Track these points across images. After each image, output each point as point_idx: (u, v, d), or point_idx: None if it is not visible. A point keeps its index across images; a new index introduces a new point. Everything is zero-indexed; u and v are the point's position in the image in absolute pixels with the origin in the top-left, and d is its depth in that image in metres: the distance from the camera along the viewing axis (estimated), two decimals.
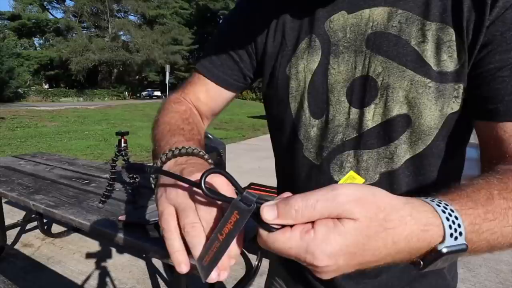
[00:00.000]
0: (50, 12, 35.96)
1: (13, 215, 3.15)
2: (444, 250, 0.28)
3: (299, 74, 0.52)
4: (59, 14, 36.57)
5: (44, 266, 2.30)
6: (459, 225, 0.29)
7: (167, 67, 22.87)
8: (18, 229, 2.82)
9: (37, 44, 36.08)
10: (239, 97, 33.93)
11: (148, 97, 35.92)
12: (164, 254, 1.02)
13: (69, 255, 2.46)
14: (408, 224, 0.27)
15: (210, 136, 1.68)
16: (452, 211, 0.30)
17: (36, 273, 2.21)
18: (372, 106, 0.47)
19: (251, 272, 2.21)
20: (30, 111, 13.11)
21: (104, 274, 2.21)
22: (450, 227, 0.29)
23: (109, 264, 2.34)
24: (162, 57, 32.82)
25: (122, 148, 1.46)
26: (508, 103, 0.41)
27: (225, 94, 0.62)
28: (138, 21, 36.92)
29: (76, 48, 29.88)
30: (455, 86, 0.44)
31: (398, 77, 0.45)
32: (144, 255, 2.38)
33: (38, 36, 34.41)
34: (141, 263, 2.33)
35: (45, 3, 34.73)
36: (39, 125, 10.36)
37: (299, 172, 0.56)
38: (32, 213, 2.72)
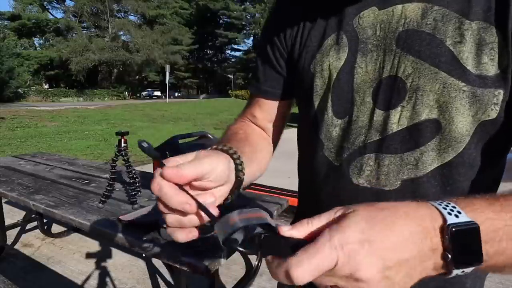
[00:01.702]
0: (50, 12, 36.03)
1: (13, 215, 3.15)
2: (452, 227, 0.27)
3: (324, 72, 0.51)
4: (59, 14, 36.64)
5: (44, 266, 2.30)
6: (453, 207, 0.29)
7: (167, 67, 22.90)
8: (18, 229, 2.82)
9: (37, 44, 36.13)
10: (239, 97, 33.95)
11: (148, 97, 35.95)
12: (164, 254, 1.02)
13: (69, 255, 2.46)
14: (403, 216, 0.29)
15: (210, 136, 1.68)
16: (449, 203, 0.30)
17: (36, 273, 2.21)
18: (399, 108, 0.45)
19: (251, 272, 2.21)
20: (30, 111, 13.10)
21: (104, 274, 2.21)
22: (445, 208, 0.29)
23: (109, 264, 2.34)
24: (162, 57, 32.83)
25: (122, 148, 1.46)
26: None
27: (277, 105, 0.62)
28: (138, 21, 36.94)
29: (76, 48, 29.89)
30: (495, 92, 0.40)
31: (429, 79, 0.42)
32: (144, 255, 2.38)
33: (38, 36, 34.42)
34: (141, 263, 2.33)
35: (45, 3, 34.74)
36: (39, 125, 10.36)
37: (318, 172, 0.55)
38: (32, 213, 2.72)
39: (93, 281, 2.11)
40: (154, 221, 1.19)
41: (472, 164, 0.44)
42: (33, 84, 31.29)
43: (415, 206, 0.30)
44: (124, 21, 34.25)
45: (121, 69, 35.19)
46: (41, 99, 27.50)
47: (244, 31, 44.24)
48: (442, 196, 0.42)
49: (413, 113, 0.44)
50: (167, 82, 23.15)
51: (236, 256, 2.37)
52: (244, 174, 0.44)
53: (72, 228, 2.79)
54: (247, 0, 42.59)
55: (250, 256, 2.39)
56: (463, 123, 0.42)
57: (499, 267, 0.31)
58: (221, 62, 48.01)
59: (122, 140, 1.46)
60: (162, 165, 0.34)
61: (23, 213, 2.92)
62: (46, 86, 34.70)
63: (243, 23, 42.72)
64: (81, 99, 30.37)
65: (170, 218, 0.36)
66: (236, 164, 0.43)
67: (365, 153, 0.48)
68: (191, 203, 0.34)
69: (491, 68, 0.40)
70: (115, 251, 2.50)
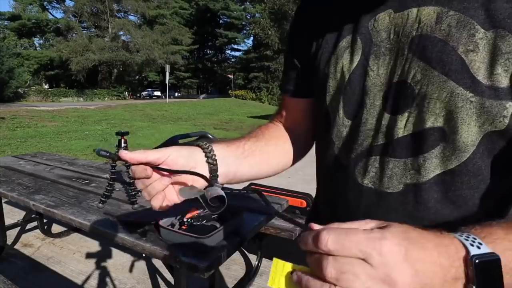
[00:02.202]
0: (50, 12, 36.02)
1: (13, 215, 3.15)
2: (475, 259, 0.28)
3: (337, 73, 0.51)
4: (59, 14, 36.65)
5: (44, 266, 2.30)
6: (474, 239, 0.30)
7: (167, 67, 22.88)
8: (18, 229, 2.82)
9: (37, 44, 36.13)
10: (239, 97, 33.95)
11: (148, 97, 35.95)
12: (164, 254, 1.02)
13: (69, 255, 2.46)
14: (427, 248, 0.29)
15: (210, 136, 1.68)
16: (469, 235, 0.30)
17: (36, 273, 2.21)
18: (406, 114, 0.44)
19: (251, 272, 2.21)
20: (30, 111, 13.10)
21: (104, 274, 2.21)
22: (467, 239, 0.29)
23: (109, 264, 2.34)
24: (162, 57, 32.82)
25: (122, 148, 1.46)
26: None
27: (299, 103, 0.64)
28: (138, 21, 36.93)
29: (76, 48, 29.88)
30: (506, 105, 0.39)
31: (437, 87, 0.42)
32: (144, 255, 2.38)
33: (38, 36, 34.41)
34: (141, 263, 2.33)
35: (45, 3, 34.73)
36: (39, 125, 10.36)
37: (328, 170, 0.56)
38: (32, 213, 2.72)
39: (93, 281, 2.11)
40: (154, 221, 1.19)
41: (476, 173, 0.43)
42: (33, 84, 31.28)
43: (439, 234, 0.30)
44: (124, 21, 34.22)
45: (121, 69, 35.18)
46: (41, 99, 27.49)
47: (244, 31, 44.26)
48: (444, 202, 0.44)
49: (419, 120, 0.44)
50: (167, 82, 23.14)
51: (236, 256, 2.37)
52: (215, 163, 0.51)
53: (72, 228, 2.79)
54: (247, 0, 42.61)
55: (250, 256, 2.39)
56: (468, 133, 0.41)
57: None
58: (221, 62, 48.03)
59: (122, 140, 1.46)
60: (118, 158, 0.48)
61: (23, 213, 2.92)
62: (46, 86, 34.69)
63: (243, 23, 42.75)
64: (81, 99, 30.37)
65: (144, 190, 0.50)
66: (206, 156, 0.50)
67: (371, 155, 0.49)
68: (149, 170, 0.47)
69: (504, 80, 0.39)
70: (115, 251, 2.50)
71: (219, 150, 0.52)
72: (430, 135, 0.43)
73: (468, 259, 0.28)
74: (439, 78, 0.42)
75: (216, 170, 0.51)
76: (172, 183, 0.50)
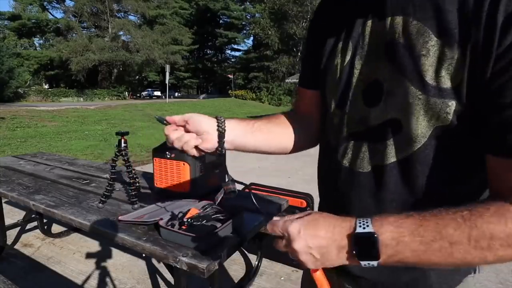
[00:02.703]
0: (50, 12, 35.99)
1: (13, 215, 3.15)
2: (354, 234, 0.44)
3: (333, 70, 0.61)
4: (59, 14, 36.65)
5: (44, 266, 2.30)
6: (367, 223, 0.44)
7: (167, 67, 22.86)
8: (18, 229, 2.82)
9: (37, 44, 36.10)
10: (239, 97, 33.94)
11: (148, 97, 35.93)
12: (164, 254, 1.02)
13: (69, 255, 2.46)
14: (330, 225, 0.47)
15: None
16: (366, 220, 0.45)
17: (36, 273, 2.21)
18: (378, 107, 0.53)
19: (251, 272, 2.21)
20: (30, 111, 13.10)
21: (104, 274, 2.21)
22: (359, 222, 0.45)
23: (109, 264, 2.34)
24: (162, 57, 32.80)
25: (122, 148, 1.46)
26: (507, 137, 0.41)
27: (310, 94, 0.73)
28: (138, 21, 36.91)
29: (76, 48, 29.86)
30: (448, 103, 0.46)
31: (397, 86, 0.50)
32: (144, 255, 2.38)
33: (38, 36, 34.39)
34: (141, 263, 2.33)
35: (45, 3, 34.70)
36: (39, 125, 10.36)
37: (322, 154, 0.69)
38: (32, 213, 2.72)
39: (93, 281, 2.11)
40: (154, 221, 1.19)
41: (428, 162, 0.50)
42: (33, 84, 31.26)
43: (343, 219, 0.47)
44: (124, 21, 34.18)
45: (121, 69, 35.16)
46: (41, 99, 27.48)
47: (244, 31, 44.23)
48: (402, 185, 0.53)
49: (385, 112, 0.52)
50: (167, 82, 23.13)
51: (236, 256, 2.38)
52: (224, 129, 0.62)
53: (72, 228, 2.79)
54: (247, 0, 42.59)
55: (250, 256, 2.39)
56: (417, 126, 0.49)
57: (410, 263, 0.43)
58: (221, 62, 48.02)
59: (122, 140, 1.46)
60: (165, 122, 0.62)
61: (23, 213, 2.92)
62: (46, 86, 34.67)
63: (243, 23, 42.72)
64: (81, 99, 30.36)
65: (183, 147, 0.60)
66: (218, 125, 0.61)
67: (350, 140, 0.59)
68: (175, 137, 0.60)
69: (447, 81, 0.45)
70: (115, 251, 2.50)
71: (231, 123, 0.64)
72: (391, 125, 0.52)
73: (352, 235, 0.44)
74: (399, 78, 0.49)
75: (223, 137, 0.62)
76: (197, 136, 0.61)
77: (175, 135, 0.60)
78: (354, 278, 0.62)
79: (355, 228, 0.44)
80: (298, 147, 0.74)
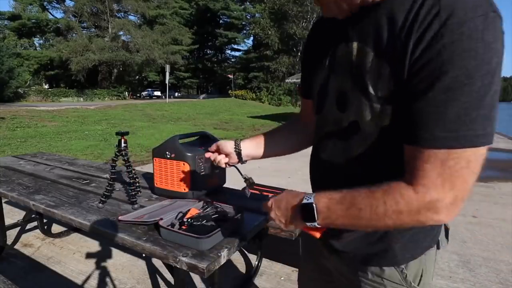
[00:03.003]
0: (50, 12, 35.96)
1: (13, 215, 3.15)
2: (299, 203, 0.65)
3: (317, 84, 0.76)
4: (59, 14, 36.61)
5: (44, 266, 2.30)
6: (310, 197, 0.64)
7: (167, 67, 22.86)
8: (18, 229, 2.82)
9: (37, 44, 36.07)
10: (239, 97, 33.91)
11: (148, 97, 35.93)
12: (164, 254, 1.02)
13: (69, 255, 2.46)
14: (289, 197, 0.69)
15: (210, 136, 1.68)
16: (311, 195, 0.64)
17: (36, 273, 2.21)
18: (346, 112, 0.67)
19: (251, 272, 2.21)
20: (30, 111, 13.10)
21: (104, 274, 2.21)
22: (306, 196, 0.65)
23: (109, 264, 2.34)
24: (162, 57, 32.79)
25: (122, 148, 1.46)
26: (410, 129, 0.55)
27: (307, 102, 0.88)
28: (138, 21, 36.89)
29: (76, 48, 29.84)
30: (386, 107, 0.59)
31: (354, 96, 0.64)
32: (144, 255, 2.38)
33: (38, 36, 34.37)
34: (141, 263, 2.33)
35: (45, 3, 34.68)
36: (39, 125, 10.36)
37: (312, 150, 0.84)
38: (32, 213, 2.72)
39: (93, 281, 2.11)
40: (154, 221, 1.19)
41: (381, 154, 0.64)
42: (33, 84, 31.23)
43: (297, 195, 0.68)
44: (124, 21, 34.14)
45: (121, 69, 35.14)
46: (41, 99, 27.47)
47: (244, 31, 44.23)
48: (363, 172, 0.67)
49: (350, 116, 0.66)
50: (167, 82, 23.13)
51: (236, 256, 2.38)
52: (240, 148, 0.93)
53: (72, 228, 2.79)
54: (247, 0, 42.59)
55: (250, 256, 2.39)
56: (369, 127, 0.63)
57: (339, 224, 0.61)
58: (221, 62, 48.01)
59: (122, 140, 1.46)
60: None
61: (23, 213, 2.92)
62: (46, 86, 34.66)
63: (243, 23, 42.71)
64: (81, 99, 30.35)
65: (217, 163, 0.96)
66: (235, 146, 0.94)
67: (328, 138, 0.73)
68: (214, 157, 0.96)
69: (383, 92, 0.59)
70: (115, 251, 2.50)
71: (245, 143, 0.94)
72: (353, 126, 0.65)
73: (299, 205, 0.65)
74: (355, 90, 0.64)
75: (240, 154, 0.94)
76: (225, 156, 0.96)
77: (213, 157, 0.97)
78: (339, 253, 0.77)
79: (302, 201, 0.64)
80: (296, 149, 0.99)
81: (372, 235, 0.69)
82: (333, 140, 0.71)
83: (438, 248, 0.75)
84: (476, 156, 0.51)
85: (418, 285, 0.71)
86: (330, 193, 0.62)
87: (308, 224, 0.64)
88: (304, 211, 0.63)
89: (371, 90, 0.60)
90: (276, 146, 0.97)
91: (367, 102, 0.61)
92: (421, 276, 0.71)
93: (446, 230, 0.80)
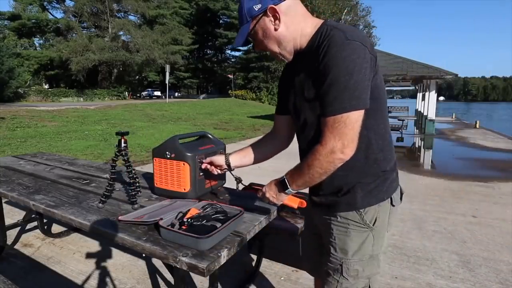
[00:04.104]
0: (50, 12, 35.93)
1: (13, 215, 3.15)
2: (282, 179, 1.03)
3: (290, 102, 1.10)
4: (59, 14, 36.55)
5: (44, 266, 2.30)
6: (286, 175, 1.02)
7: (167, 67, 22.86)
8: (18, 229, 2.82)
9: (37, 44, 36.04)
10: (239, 97, 33.85)
11: (148, 97, 35.92)
12: (164, 254, 1.02)
13: (69, 255, 2.46)
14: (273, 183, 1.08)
15: (210, 136, 1.68)
16: (286, 175, 1.02)
17: (36, 273, 2.21)
18: (301, 115, 1.03)
19: (251, 272, 2.21)
20: (30, 111, 13.10)
21: (104, 274, 2.21)
22: (283, 176, 1.03)
23: (109, 264, 2.34)
24: (162, 57, 32.78)
25: (122, 148, 1.45)
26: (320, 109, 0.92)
27: (280, 118, 1.23)
28: (138, 21, 36.86)
29: (76, 48, 29.82)
30: (315, 104, 0.93)
31: (302, 105, 1.01)
32: (144, 255, 2.38)
33: (38, 36, 34.36)
34: (141, 263, 2.33)
35: (45, 3, 34.67)
36: (39, 125, 10.36)
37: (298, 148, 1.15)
38: (32, 213, 2.72)
39: (93, 281, 2.11)
40: (154, 221, 1.19)
41: (320, 134, 0.92)
42: (33, 84, 31.20)
43: (277, 179, 1.05)
44: (124, 21, 34.12)
45: (121, 69, 35.12)
46: (41, 99, 27.46)
47: None
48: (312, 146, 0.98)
49: (303, 118, 1.02)
50: (167, 82, 23.12)
51: (236, 256, 2.37)
52: (229, 161, 1.30)
53: (72, 228, 2.79)
54: None
55: (250, 256, 2.39)
56: (310, 118, 0.99)
57: (300, 185, 0.99)
58: (221, 62, 48.00)
59: (122, 140, 1.45)
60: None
61: (23, 213, 2.93)
62: (46, 86, 34.64)
63: None
64: (81, 99, 30.34)
65: (211, 171, 1.37)
66: (225, 159, 1.30)
67: (299, 135, 1.11)
68: (209, 167, 1.37)
69: (311, 94, 0.95)
70: (115, 251, 2.50)
71: (232, 157, 1.31)
72: (305, 122, 1.02)
73: (279, 181, 1.04)
74: (303, 100, 1.00)
75: (230, 165, 1.30)
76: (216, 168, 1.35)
77: (208, 168, 1.37)
78: (318, 206, 1.09)
79: (279, 179, 1.04)
80: (270, 155, 1.32)
81: (340, 190, 1.00)
82: (300, 136, 1.09)
83: (392, 205, 1.03)
84: (349, 118, 0.85)
85: (373, 226, 0.99)
86: (290, 169, 1.00)
87: (286, 191, 1.01)
88: (281, 184, 1.02)
89: (305, 95, 0.97)
90: (256, 155, 1.30)
91: (306, 103, 0.98)
92: (375, 220, 0.99)
93: (401, 194, 1.10)
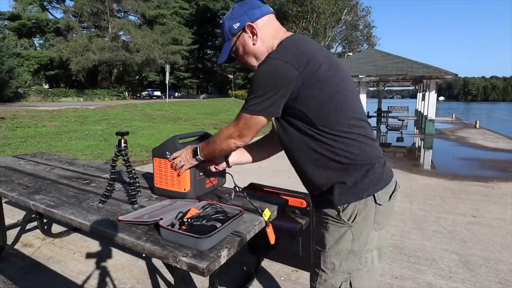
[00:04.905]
0: (50, 12, 35.93)
1: (13, 215, 3.15)
2: (194, 148, 1.32)
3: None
4: (59, 14, 36.56)
5: (44, 266, 2.30)
6: (198, 146, 1.30)
7: (167, 67, 22.84)
8: (18, 229, 2.82)
9: (37, 44, 36.06)
10: (239, 97, 33.82)
11: (148, 97, 35.92)
12: (164, 254, 1.02)
13: (69, 255, 2.46)
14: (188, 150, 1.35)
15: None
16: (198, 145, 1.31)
17: (36, 273, 2.21)
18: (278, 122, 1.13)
19: (251, 272, 2.21)
20: (30, 111, 13.10)
21: (104, 274, 2.21)
22: (196, 146, 1.31)
23: (109, 264, 2.34)
24: (162, 57, 32.78)
25: (122, 148, 1.46)
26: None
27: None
28: (138, 21, 36.86)
29: (76, 48, 29.81)
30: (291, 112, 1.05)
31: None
32: (144, 255, 2.38)
33: (38, 36, 34.35)
34: (141, 263, 2.33)
35: (45, 3, 34.66)
36: (39, 125, 10.36)
37: None
38: (32, 213, 2.72)
39: (93, 281, 2.11)
40: (154, 221, 1.19)
41: (299, 141, 1.06)
42: (33, 84, 31.21)
43: (191, 146, 1.35)
44: (124, 21, 34.10)
45: (121, 69, 35.12)
46: (41, 99, 27.46)
47: None
48: (298, 155, 1.10)
49: (281, 125, 1.10)
50: (167, 82, 23.12)
51: (236, 256, 2.37)
52: (229, 161, 1.37)
53: (72, 228, 2.79)
54: None
55: (250, 256, 2.39)
56: (283, 127, 1.09)
57: (208, 154, 1.26)
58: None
59: (122, 140, 1.46)
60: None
61: (23, 213, 2.93)
62: (46, 86, 34.64)
63: None
64: (81, 99, 30.34)
65: (210, 168, 1.40)
66: (225, 159, 1.37)
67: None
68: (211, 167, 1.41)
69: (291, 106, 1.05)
70: (115, 251, 2.50)
71: (232, 155, 1.37)
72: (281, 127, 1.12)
73: (193, 149, 1.32)
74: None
75: (228, 162, 1.37)
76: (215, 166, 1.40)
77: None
78: (316, 207, 1.14)
79: (195, 147, 1.30)
80: (267, 157, 1.41)
81: (321, 189, 1.07)
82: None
83: (377, 203, 1.03)
84: (246, 118, 1.04)
85: (351, 222, 1.02)
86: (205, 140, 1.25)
87: (196, 157, 1.29)
88: (194, 151, 1.29)
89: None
90: (255, 154, 1.37)
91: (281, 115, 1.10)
92: (355, 217, 1.01)
93: (393, 192, 1.09)
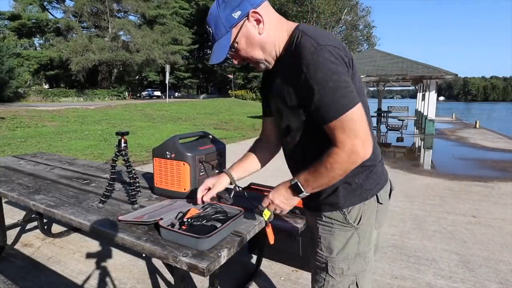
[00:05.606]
0: (50, 12, 35.89)
1: (13, 215, 3.15)
2: (291, 184, 0.95)
3: (273, 108, 1.10)
4: (59, 14, 36.58)
5: (44, 266, 2.30)
6: (294, 180, 0.95)
7: (167, 67, 22.84)
8: (18, 229, 2.82)
9: (37, 44, 36.01)
10: (239, 97, 33.84)
11: (148, 97, 35.92)
12: (164, 254, 1.02)
13: (69, 255, 2.46)
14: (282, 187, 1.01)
15: (210, 136, 1.68)
16: (294, 179, 0.96)
17: (36, 273, 2.21)
18: (282, 120, 1.04)
19: (251, 272, 2.21)
20: (30, 111, 13.10)
21: (104, 274, 2.21)
22: (292, 179, 0.96)
23: (109, 264, 2.34)
24: (162, 57, 32.77)
25: (122, 148, 1.46)
26: (319, 117, 0.88)
27: (267, 121, 1.23)
28: (138, 21, 36.84)
29: (76, 48, 29.81)
30: (300, 111, 0.95)
31: (282, 109, 1.01)
32: (144, 255, 2.38)
33: (38, 36, 34.32)
34: (141, 263, 2.33)
35: (45, 3, 34.64)
36: (39, 125, 10.36)
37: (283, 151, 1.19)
38: (32, 213, 2.72)
39: (93, 281, 2.11)
40: (154, 221, 1.19)
41: (306, 144, 1.00)
42: (33, 84, 31.18)
43: (286, 182, 0.99)
44: (124, 21, 34.09)
45: (121, 69, 35.12)
46: (41, 99, 27.45)
47: None
48: (301, 153, 1.03)
49: (285, 124, 1.03)
50: (167, 82, 23.12)
51: (236, 256, 2.37)
52: (232, 177, 1.22)
53: (72, 228, 2.79)
54: None
55: (250, 256, 2.39)
56: (294, 123, 1.00)
57: (316, 186, 0.92)
58: (221, 62, 47.89)
59: (122, 140, 1.45)
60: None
61: (23, 213, 2.93)
62: (46, 86, 34.62)
63: None
64: (81, 99, 30.33)
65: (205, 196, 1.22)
66: (229, 175, 1.23)
67: (283, 138, 1.08)
68: (205, 193, 1.23)
69: (294, 102, 0.95)
70: (115, 251, 2.50)
71: (235, 173, 1.23)
72: (288, 129, 1.03)
73: (291, 185, 0.95)
74: (281, 105, 1.01)
75: (234, 181, 1.24)
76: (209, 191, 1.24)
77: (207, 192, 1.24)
78: (309, 209, 1.12)
79: (290, 183, 0.96)
80: (266, 163, 1.29)
81: (325, 193, 1.01)
82: (284, 141, 1.09)
83: (379, 202, 1.03)
84: (352, 114, 0.83)
85: (357, 225, 1.00)
86: (301, 173, 0.93)
87: (300, 195, 0.95)
88: (295, 189, 0.94)
89: (288, 103, 0.97)
90: (257, 163, 1.28)
91: (288, 110, 0.98)
92: (360, 219, 1.00)
93: (391, 190, 1.10)
